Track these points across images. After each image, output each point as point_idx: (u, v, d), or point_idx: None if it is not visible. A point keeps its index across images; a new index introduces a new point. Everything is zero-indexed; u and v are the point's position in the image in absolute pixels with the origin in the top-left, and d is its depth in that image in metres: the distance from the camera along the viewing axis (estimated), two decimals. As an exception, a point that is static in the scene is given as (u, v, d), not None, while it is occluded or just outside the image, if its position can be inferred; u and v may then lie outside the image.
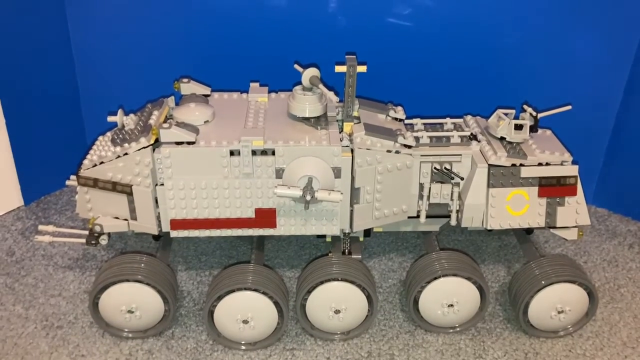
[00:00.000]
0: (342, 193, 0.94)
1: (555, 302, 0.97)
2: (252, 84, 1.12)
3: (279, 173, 0.96)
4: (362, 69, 0.97)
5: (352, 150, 0.97)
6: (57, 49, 1.23)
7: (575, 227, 1.04)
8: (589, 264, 1.17)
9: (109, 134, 1.04)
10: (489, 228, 1.01)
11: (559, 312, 0.98)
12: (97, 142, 1.04)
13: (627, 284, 1.13)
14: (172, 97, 1.10)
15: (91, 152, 1.02)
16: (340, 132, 1.00)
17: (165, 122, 0.99)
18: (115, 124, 1.03)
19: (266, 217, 0.98)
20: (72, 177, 1.08)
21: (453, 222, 1.04)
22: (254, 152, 0.95)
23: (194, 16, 1.20)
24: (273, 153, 0.95)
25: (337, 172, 0.96)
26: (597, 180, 1.33)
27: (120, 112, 1.02)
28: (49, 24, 1.21)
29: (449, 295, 0.99)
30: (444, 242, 1.22)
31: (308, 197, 0.91)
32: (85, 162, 1.01)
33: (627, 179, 1.29)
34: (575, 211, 1.02)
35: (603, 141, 1.29)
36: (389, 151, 0.97)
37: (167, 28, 1.21)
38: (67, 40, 1.23)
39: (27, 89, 1.22)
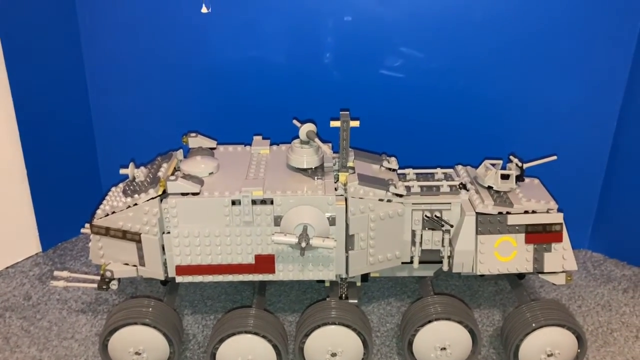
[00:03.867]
0: (336, 240, 1.00)
1: (545, 345, 1.00)
2: (255, 137, 1.20)
3: (278, 221, 1.02)
4: (355, 123, 1.04)
5: (345, 199, 1.03)
6: (76, 106, 1.33)
7: (563, 272, 1.08)
8: (583, 308, 1.20)
9: (121, 185, 1.12)
10: (478, 273, 1.06)
11: (548, 356, 1.01)
12: (110, 193, 1.11)
13: (620, 328, 1.15)
14: (181, 151, 1.17)
15: (104, 202, 1.10)
16: (335, 182, 1.06)
17: (172, 174, 1.07)
18: (127, 176, 1.11)
19: (265, 263, 1.04)
20: (87, 225, 1.15)
21: (445, 267, 1.09)
22: (254, 202, 1.01)
23: (201, 76, 1.29)
24: (272, 202, 1.01)
25: (332, 220, 1.02)
26: (592, 225, 1.37)
27: (131, 165, 1.10)
28: (70, 84, 1.30)
29: (441, 339, 1.02)
30: (441, 287, 1.26)
31: (303, 244, 0.97)
32: (99, 211, 1.08)
33: (621, 223, 1.33)
34: (562, 257, 1.06)
35: (596, 186, 1.33)
36: (380, 200, 1.03)
37: (177, 87, 1.30)
38: (86, 98, 1.33)
39: (47, 142, 1.31)
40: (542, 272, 1.07)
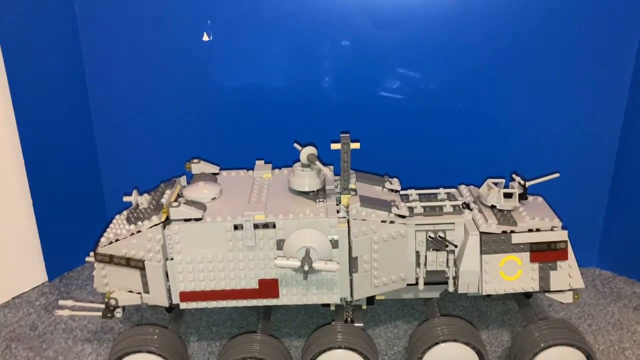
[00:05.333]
0: (338, 263, 0.99)
1: (554, 365, 0.99)
2: (257, 162, 1.21)
3: (280, 245, 1.02)
4: (355, 145, 1.04)
5: (348, 222, 1.02)
6: (81, 136, 1.34)
7: (570, 290, 1.06)
8: (594, 327, 1.18)
9: (124, 212, 1.12)
10: (484, 293, 1.04)
11: (558, 376, 0.99)
12: (114, 221, 1.12)
13: (632, 347, 1.13)
14: (184, 177, 1.18)
15: (108, 230, 1.10)
16: (337, 204, 1.06)
17: (175, 200, 1.07)
18: (131, 204, 1.12)
19: (269, 287, 1.03)
20: (91, 254, 1.15)
21: (450, 288, 1.08)
22: (256, 226, 1.01)
23: (203, 103, 1.30)
24: (274, 226, 1.01)
25: (334, 243, 1.02)
26: (599, 243, 1.35)
27: (135, 192, 1.11)
28: (74, 114, 1.32)
29: (449, 361, 1.01)
30: (449, 309, 1.24)
31: (306, 268, 0.96)
32: (102, 239, 1.08)
33: (629, 240, 1.31)
34: (568, 275, 1.05)
35: (601, 203, 1.32)
36: (383, 221, 1.03)
37: (179, 114, 1.32)
38: (90, 128, 1.35)
39: (52, 171, 1.32)
40: (549, 291, 1.06)
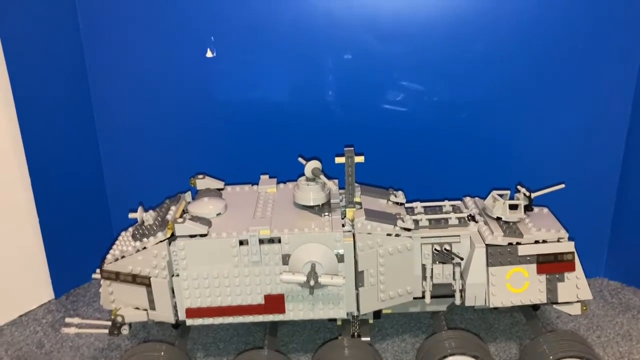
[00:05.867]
0: (344, 277, 0.99)
1: (563, 378, 0.98)
2: (262, 176, 1.21)
3: (286, 260, 1.01)
4: (359, 159, 1.04)
5: (353, 235, 1.02)
6: (86, 153, 1.35)
7: (578, 302, 1.06)
8: (603, 339, 1.17)
9: (130, 229, 1.12)
10: (491, 306, 1.04)
11: (568, 389, 0.98)
12: (120, 238, 1.12)
13: (642, 358, 1.12)
14: (189, 193, 1.19)
15: (114, 247, 1.10)
16: (342, 218, 1.06)
17: (180, 216, 1.07)
18: (137, 220, 1.12)
19: (275, 303, 1.03)
20: (98, 270, 1.15)
21: (457, 301, 1.07)
22: (261, 241, 1.01)
23: (207, 119, 1.31)
24: (279, 241, 1.01)
25: (340, 257, 1.01)
26: (607, 253, 1.35)
27: (140, 209, 1.11)
28: (79, 131, 1.33)
29: (457, 374, 1.00)
30: (456, 322, 1.24)
31: (312, 283, 0.96)
32: (108, 256, 1.08)
33: (637, 250, 1.30)
34: (575, 286, 1.04)
35: (608, 213, 1.32)
36: (388, 235, 1.03)
37: (184, 130, 1.32)
38: (96, 145, 1.35)
39: (58, 189, 1.32)
40: (557, 303, 1.05)
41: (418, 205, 1.14)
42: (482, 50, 1.23)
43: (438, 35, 1.22)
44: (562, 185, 1.10)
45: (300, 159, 1.10)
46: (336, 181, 1.12)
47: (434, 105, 1.27)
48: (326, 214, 1.07)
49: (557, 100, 1.24)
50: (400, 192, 1.14)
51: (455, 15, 1.21)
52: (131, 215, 1.11)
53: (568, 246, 1.03)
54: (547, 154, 1.27)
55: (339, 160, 1.05)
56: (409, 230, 1.04)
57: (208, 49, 1.26)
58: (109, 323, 1.11)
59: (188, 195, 1.18)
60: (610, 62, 1.21)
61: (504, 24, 1.20)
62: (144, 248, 1.04)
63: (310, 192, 1.07)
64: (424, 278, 1.07)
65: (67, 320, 1.14)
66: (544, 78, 1.23)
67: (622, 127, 1.25)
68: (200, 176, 1.18)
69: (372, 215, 1.04)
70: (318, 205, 1.08)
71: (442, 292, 1.08)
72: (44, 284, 1.35)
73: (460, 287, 1.06)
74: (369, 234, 1.02)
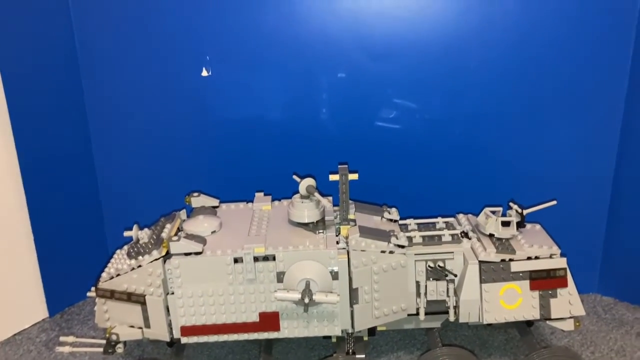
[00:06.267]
0: (339, 294, 0.99)
1: (557, 394, 0.98)
2: (257, 194, 1.22)
3: (280, 277, 1.02)
4: (353, 176, 1.05)
5: (348, 252, 1.03)
6: (82, 172, 1.36)
7: (571, 317, 1.06)
8: (597, 354, 1.18)
9: (125, 247, 1.13)
10: (485, 322, 1.04)
11: (562, 405, 0.98)
12: (115, 256, 1.12)
13: (636, 374, 1.12)
14: (184, 211, 1.19)
15: (109, 265, 1.10)
16: (337, 235, 1.07)
17: (175, 234, 1.08)
18: (132, 238, 1.12)
19: (270, 320, 1.03)
20: (93, 289, 1.15)
21: (451, 318, 1.08)
22: (256, 259, 1.02)
23: (202, 137, 1.32)
24: (274, 258, 1.02)
25: (334, 274, 1.02)
26: (599, 269, 1.35)
27: (135, 227, 1.12)
28: (75, 149, 1.34)
29: (452, 391, 1.00)
30: (451, 338, 1.24)
31: (306, 300, 0.97)
32: (103, 275, 1.09)
33: (629, 265, 1.31)
34: (568, 302, 1.05)
35: (600, 228, 1.33)
36: (383, 252, 1.03)
37: (179, 148, 1.33)
38: (92, 163, 1.36)
39: (54, 207, 1.33)
40: (550, 319, 1.06)
41: (412, 222, 1.15)
42: (474, 68, 1.24)
43: (430, 53, 1.24)
44: (554, 202, 1.11)
45: (294, 177, 1.11)
46: (330, 198, 1.14)
47: (427, 122, 1.28)
48: (320, 231, 1.07)
49: (549, 118, 1.26)
50: (394, 209, 1.14)
51: (448, 33, 1.23)
52: (126, 234, 1.12)
53: (560, 262, 1.04)
54: (539, 170, 1.29)
55: (333, 177, 1.06)
56: (402, 247, 1.05)
57: (203, 68, 1.27)
58: (104, 341, 1.10)
59: (183, 213, 1.19)
60: (602, 79, 1.23)
61: (496, 42, 1.22)
62: (139, 266, 1.04)
63: (305, 210, 1.08)
64: (418, 295, 1.07)
65: (62, 339, 1.14)
66: (536, 95, 1.25)
67: (614, 144, 1.27)
68: (195, 194, 1.19)
69: (366, 232, 1.05)
70: (312, 223, 1.08)
71: (436, 308, 1.09)
72: (38, 302, 1.35)
73: (454, 304, 1.07)
74: (363, 251, 1.02)
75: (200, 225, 1.09)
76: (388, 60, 1.25)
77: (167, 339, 1.07)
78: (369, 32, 1.23)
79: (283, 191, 1.20)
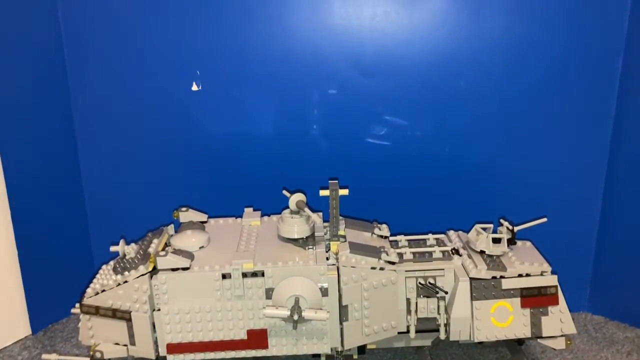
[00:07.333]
0: (328, 311, 0.98)
1: (549, 414, 0.97)
2: (246, 209, 1.21)
3: (269, 293, 1.00)
4: (344, 192, 1.05)
5: (337, 269, 1.02)
6: (69, 186, 1.34)
7: (562, 336, 1.05)
8: (588, 374, 1.17)
9: (111, 263, 1.11)
10: (476, 340, 1.03)
11: None
12: (100, 271, 1.10)
13: (627, 394, 1.12)
14: (172, 226, 1.17)
15: (94, 280, 1.08)
16: (327, 251, 1.06)
17: (163, 249, 1.06)
18: (118, 253, 1.10)
19: (258, 338, 1.01)
20: (77, 305, 1.13)
21: (442, 335, 1.06)
22: (244, 275, 1.00)
23: (191, 151, 1.31)
24: (263, 274, 1.00)
25: (324, 291, 1.00)
26: (589, 287, 1.35)
27: (122, 242, 1.10)
28: (62, 164, 1.32)
29: (442, 411, 0.99)
30: (441, 356, 1.22)
31: (295, 317, 0.95)
32: (88, 290, 1.06)
33: (619, 284, 1.31)
34: (559, 320, 1.04)
35: (590, 247, 1.33)
36: (373, 268, 1.02)
37: (167, 163, 1.32)
38: (78, 178, 1.34)
39: (39, 221, 1.30)
40: (541, 337, 1.05)
41: (402, 239, 1.14)
42: (464, 85, 1.25)
43: (421, 70, 1.24)
44: (545, 219, 1.11)
45: (284, 192, 1.10)
46: (320, 214, 1.12)
47: (417, 139, 1.28)
48: (310, 247, 1.06)
49: (539, 135, 1.26)
50: (384, 225, 1.14)
51: (438, 50, 1.23)
52: (112, 249, 1.10)
53: (551, 280, 1.04)
54: (530, 187, 1.29)
55: (324, 193, 1.05)
56: (393, 263, 1.03)
57: (194, 83, 1.27)
58: (88, 359, 1.08)
59: (171, 228, 1.17)
60: (591, 96, 1.24)
61: (486, 59, 1.23)
62: (125, 282, 1.02)
63: (295, 225, 1.07)
64: (409, 312, 1.06)
65: (44, 356, 1.11)
66: (526, 113, 1.25)
67: (603, 162, 1.27)
68: (184, 209, 1.18)
69: (356, 248, 1.04)
70: (302, 238, 1.07)
71: (426, 326, 1.07)
72: (21, 319, 1.32)
73: (445, 321, 1.06)
74: (353, 267, 1.01)
75: (188, 240, 1.08)
76: (379, 76, 1.25)
77: (153, 357, 1.05)
78: (360, 48, 1.24)
79: (273, 207, 1.19)
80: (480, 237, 1.08)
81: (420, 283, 1.05)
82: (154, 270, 1.02)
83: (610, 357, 1.21)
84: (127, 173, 1.33)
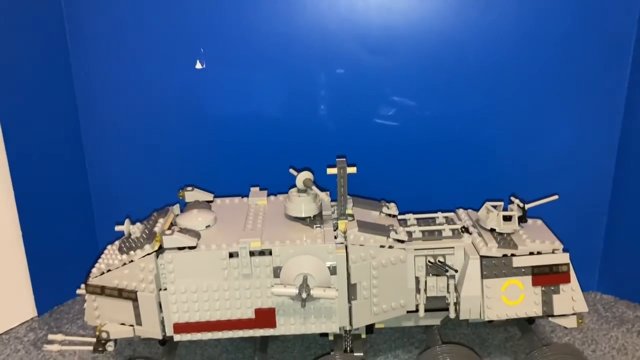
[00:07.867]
0: (337, 290, 0.97)
1: (560, 392, 0.96)
2: (252, 189, 1.19)
3: (277, 272, 0.99)
4: (352, 170, 1.03)
5: (346, 247, 1.00)
6: (72, 167, 1.33)
7: (574, 314, 1.04)
8: (598, 353, 1.16)
9: (117, 242, 1.10)
10: (486, 319, 1.02)
11: (565, 404, 0.96)
12: (106, 251, 1.09)
13: (639, 372, 1.11)
14: (177, 205, 1.16)
15: (100, 260, 1.07)
16: (335, 230, 1.04)
17: (169, 228, 1.05)
18: (124, 233, 1.09)
19: (266, 317, 1.00)
20: (82, 286, 1.12)
21: (452, 314, 1.05)
22: (252, 253, 0.99)
23: (196, 130, 1.29)
24: (270, 253, 0.99)
25: (332, 269, 0.99)
26: (599, 267, 1.34)
27: (127, 221, 1.08)
28: (66, 144, 1.31)
29: (452, 390, 0.98)
30: (449, 336, 1.21)
31: (304, 295, 0.94)
32: (94, 270, 1.05)
33: (630, 263, 1.30)
34: (571, 298, 1.03)
35: (600, 226, 1.31)
36: (382, 246, 1.01)
37: (173, 141, 1.30)
38: (82, 158, 1.33)
39: (43, 202, 1.29)
40: (552, 315, 1.04)
41: (411, 217, 1.12)
42: (473, 63, 1.22)
43: (429, 50, 1.22)
44: (556, 197, 1.09)
45: (291, 171, 1.08)
46: (328, 193, 1.11)
47: (426, 119, 1.26)
48: (318, 225, 1.05)
49: (550, 112, 1.24)
50: (392, 204, 1.12)
51: (447, 30, 1.21)
52: (117, 228, 1.08)
53: (563, 257, 1.02)
54: (541, 165, 1.27)
55: (331, 171, 1.03)
56: (402, 241, 1.02)
57: (197, 60, 1.25)
58: (94, 340, 1.07)
59: (176, 208, 1.16)
60: (602, 75, 1.21)
61: (496, 38, 1.20)
62: (131, 261, 1.01)
63: (302, 204, 1.05)
64: (418, 291, 1.05)
65: (50, 337, 1.10)
66: (537, 90, 1.23)
67: (614, 139, 1.25)
68: (189, 188, 1.16)
69: (364, 226, 1.02)
70: (310, 217, 1.06)
71: (436, 305, 1.06)
72: (26, 301, 1.31)
73: (455, 300, 1.04)
74: (362, 245, 1.00)
75: (195, 219, 1.06)
76: (387, 54, 1.23)
77: (159, 337, 1.04)
78: (368, 28, 1.21)
79: (279, 186, 1.18)
80: (491, 215, 1.06)
81: (429, 261, 1.04)
82: (160, 250, 1.01)
83: (620, 336, 1.20)
84: (132, 154, 1.32)
